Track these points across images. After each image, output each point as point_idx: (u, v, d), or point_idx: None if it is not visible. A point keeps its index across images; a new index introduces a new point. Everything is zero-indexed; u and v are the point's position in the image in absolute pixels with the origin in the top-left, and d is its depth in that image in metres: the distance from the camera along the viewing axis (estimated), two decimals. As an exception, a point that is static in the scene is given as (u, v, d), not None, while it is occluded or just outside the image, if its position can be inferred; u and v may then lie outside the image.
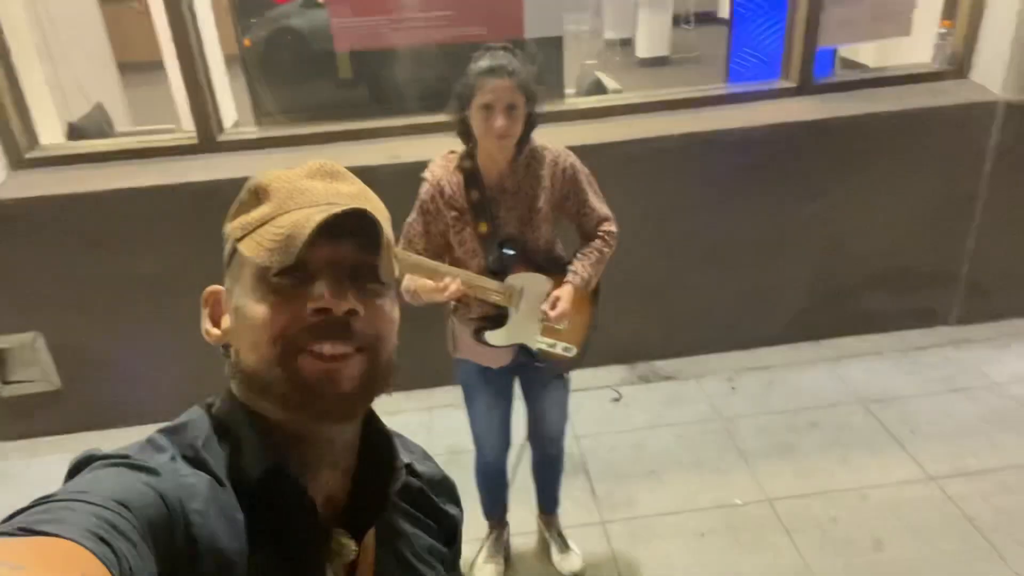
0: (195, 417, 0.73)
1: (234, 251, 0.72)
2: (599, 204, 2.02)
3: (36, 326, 2.80)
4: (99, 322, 2.82)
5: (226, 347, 0.74)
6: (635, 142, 2.90)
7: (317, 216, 0.66)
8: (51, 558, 0.50)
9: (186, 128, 4.89)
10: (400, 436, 0.88)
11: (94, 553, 0.52)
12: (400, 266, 1.88)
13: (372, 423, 0.80)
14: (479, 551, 2.35)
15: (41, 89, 2.93)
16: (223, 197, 2.71)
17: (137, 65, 6.65)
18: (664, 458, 2.76)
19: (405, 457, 0.83)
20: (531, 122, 1.87)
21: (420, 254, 1.90)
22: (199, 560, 0.62)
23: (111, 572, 0.51)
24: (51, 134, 2.96)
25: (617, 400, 3.08)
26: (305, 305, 0.67)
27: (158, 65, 5.33)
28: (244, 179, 2.51)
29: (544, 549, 2.41)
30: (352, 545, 0.74)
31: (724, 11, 9.57)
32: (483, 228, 1.92)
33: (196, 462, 0.68)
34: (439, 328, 2.93)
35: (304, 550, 0.70)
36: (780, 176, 3.04)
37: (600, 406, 3.03)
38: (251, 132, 3.00)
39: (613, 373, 3.22)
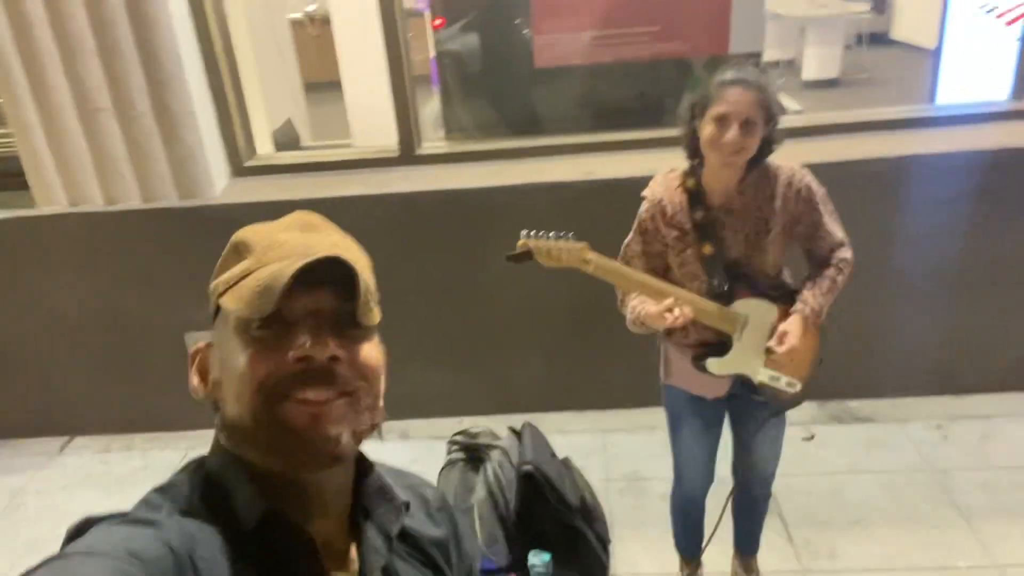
0: (186, 475, 0.74)
1: (218, 307, 0.74)
2: (834, 228, 1.87)
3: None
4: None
5: (215, 403, 0.75)
6: (836, 165, 2.70)
7: (294, 265, 0.67)
8: None
9: (358, 144, 5.12)
10: (397, 471, 0.89)
11: None
12: (622, 285, 1.83)
13: (364, 465, 0.80)
14: (673, 588, 2.24)
15: (258, 103, 3.13)
16: (422, 206, 2.80)
17: (309, 85, 7.09)
18: (868, 507, 2.53)
19: (402, 494, 0.83)
20: (767, 145, 1.76)
21: None
22: None
23: None
24: (263, 145, 3.16)
25: (809, 439, 2.88)
26: (287, 354, 0.68)
27: (326, 85, 5.63)
28: (442, 191, 2.57)
29: (740, 593, 2.26)
30: None
31: (897, 33, 9.02)
32: (707, 250, 1.83)
33: (193, 515, 0.69)
34: (616, 347, 2.86)
35: None
36: (1009, 207, 2.75)
37: (791, 445, 2.79)
38: (447, 147, 3.07)
39: (802, 410, 2.97)
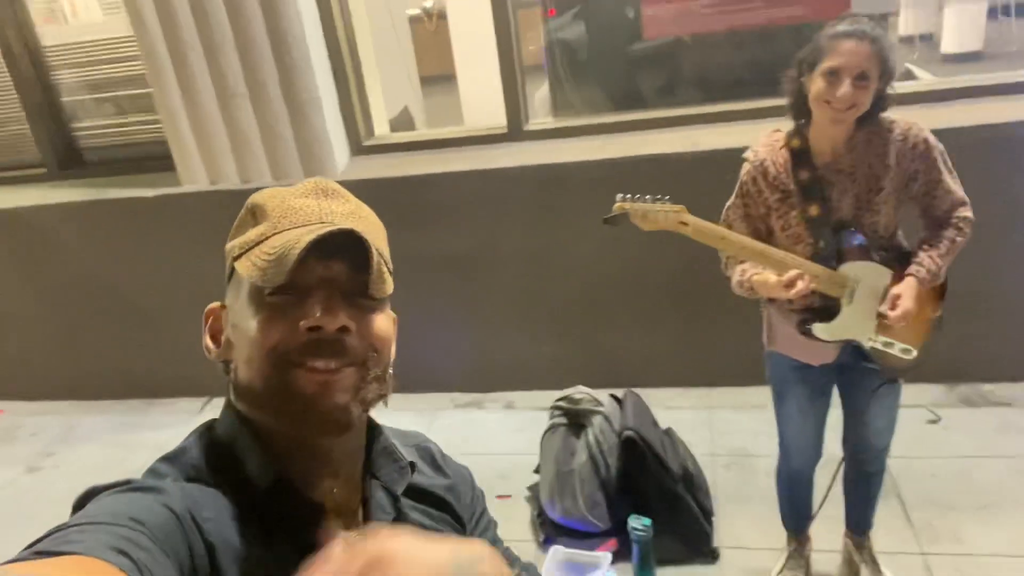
0: (193, 441, 0.75)
1: (233, 269, 0.74)
2: (953, 185, 1.77)
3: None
4: (412, 293, 3.07)
5: (226, 363, 0.75)
6: (978, 128, 2.53)
7: (307, 237, 0.67)
8: (71, 569, 0.52)
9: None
10: (402, 432, 0.90)
11: (113, 563, 0.53)
12: (722, 248, 1.81)
13: (374, 429, 0.81)
14: (779, 564, 2.18)
15: (377, 89, 3.30)
16: (528, 181, 2.85)
17: (425, 79, 7.35)
18: (998, 492, 2.36)
19: (408, 455, 0.83)
20: (880, 101, 1.69)
21: None
22: (219, 562, 0.64)
23: None
24: (380, 127, 3.33)
25: (935, 422, 2.72)
26: (298, 322, 0.68)
27: (441, 78, 5.87)
28: (547, 166, 2.59)
29: (851, 571, 2.17)
30: None
31: (1052, -2, 8.19)
32: (813, 211, 1.77)
33: (199, 480, 0.70)
34: (723, 322, 2.80)
35: (316, 553, 0.69)
36: None
37: (915, 427, 2.68)
38: (553, 123, 3.12)
39: (926, 392, 2.84)
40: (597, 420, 2.35)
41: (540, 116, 3.34)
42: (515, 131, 2.99)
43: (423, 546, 0.45)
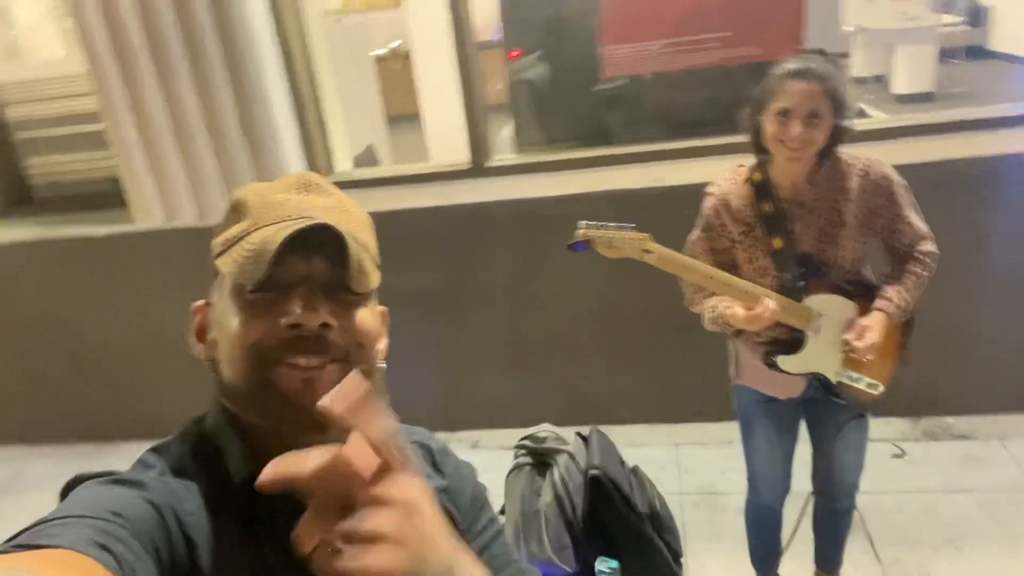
0: (182, 434, 0.76)
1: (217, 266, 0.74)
2: (916, 220, 1.79)
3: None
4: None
5: (213, 361, 0.75)
6: (932, 165, 2.58)
7: (283, 232, 0.67)
8: (52, 563, 0.53)
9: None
10: (404, 428, 0.88)
11: (93, 558, 0.54)
12: (686, 277, 1.79)
13: None
14: (748, 603, 2.14)
15: (339, 126, 3.27)
16: (492, 216, 2.83)
17: (391, 117, 7.38)
18: (965, 527, 2.36)
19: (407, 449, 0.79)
20: (837, 135, 1.70)
21: None
22: (198, 556, 0.64)
23: (112, 573, 0.54)
24: (343, 164, 3.29)
25: (900, 456, 2.71)
26: (279, 320, 0.68)
27: (407, 117, 5.90)
28: (510, 201, 2.59)
29: (821, 611, 2.14)
30: None
31: (995, 43, 8.58)
32: (777, 243, 1.77)
33: (183, 474, 0.70)
34: (689, 358, 2.79)
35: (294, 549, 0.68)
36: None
37: (880, 461, 2.68)
38: (516, 159, 3.12)
39: (892, 426, 2.86)
40: (562, 459, 2.29)
41: (504, 154, 3.35)
42: (478, 167, 2.98)
43: None
